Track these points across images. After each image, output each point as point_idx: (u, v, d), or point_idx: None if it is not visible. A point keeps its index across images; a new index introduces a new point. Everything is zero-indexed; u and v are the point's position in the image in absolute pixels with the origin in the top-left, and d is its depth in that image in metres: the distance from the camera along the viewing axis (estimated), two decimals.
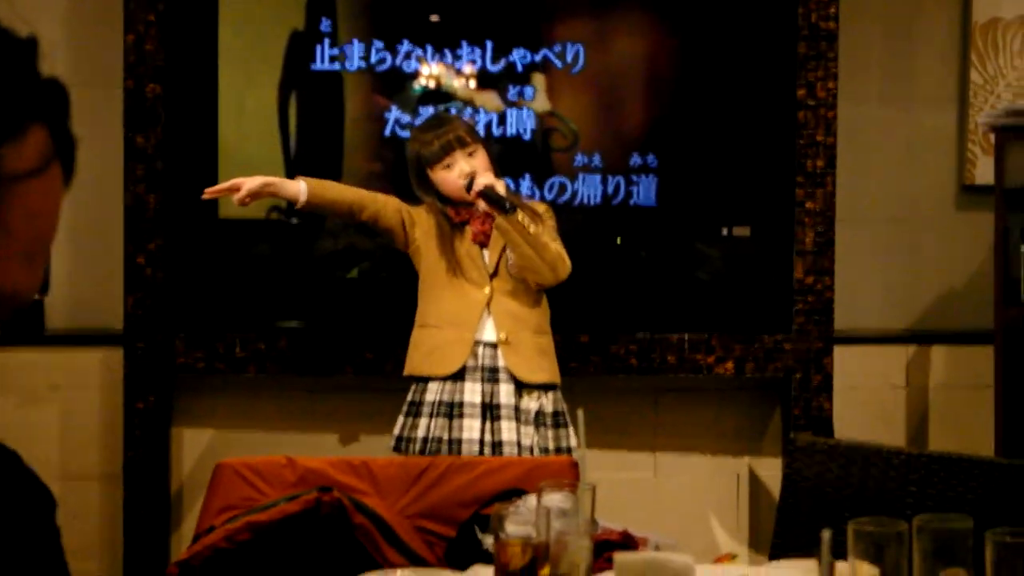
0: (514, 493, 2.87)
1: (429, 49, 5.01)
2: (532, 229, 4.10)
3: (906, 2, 5.32)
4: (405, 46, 5.00)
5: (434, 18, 5.04)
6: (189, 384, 5.04)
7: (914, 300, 5.32)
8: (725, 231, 5.15)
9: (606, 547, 2.40)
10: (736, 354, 5.01)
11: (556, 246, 4.19)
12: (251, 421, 5.08)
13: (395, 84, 5.01)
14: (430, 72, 5.02)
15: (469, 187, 4.11)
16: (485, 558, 2.57)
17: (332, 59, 5.00)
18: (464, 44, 5.01)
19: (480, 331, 4.19)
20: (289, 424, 5.06)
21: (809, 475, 3.23)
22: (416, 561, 2.73)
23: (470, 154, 4.18)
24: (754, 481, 5.15)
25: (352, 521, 2.74)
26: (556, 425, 4.19)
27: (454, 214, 4.24)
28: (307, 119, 5.06)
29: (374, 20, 5.04)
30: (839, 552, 2.26)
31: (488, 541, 2.53)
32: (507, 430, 4.12)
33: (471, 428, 4.09)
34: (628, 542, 2.54)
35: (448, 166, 4.18)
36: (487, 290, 4.20)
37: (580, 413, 2.52)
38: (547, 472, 2.93)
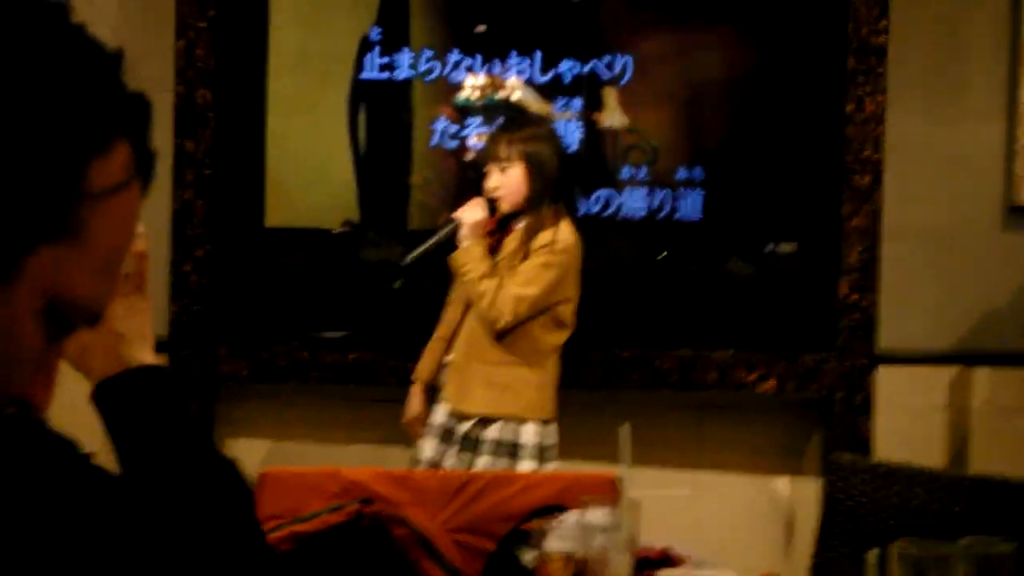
0: (554, 509, 2.87)
1: (478, 59, 5.01)
2: (472, 275, 4.10)
3: (955, 16, 5.29)
4: (454, 55, 5.01)
5: (481, 28, 5.05)
6: (232, 393, 5.05)
7: (959, 320, 5.28)
8: (770, 247, 5.13)
9: (646, 564, 2.40)
10: (778, 372, 5.00)
11: (513, 291, 4.12)
12: (293, 431, 5.09)
13: (443, 94, 5.01)
14: (478, 82, 5.03)
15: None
16: (524, 573, 2.57)
17: (382, 68, 5.01)
18: (513, 55, 5.02)
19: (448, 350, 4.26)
20: (330, 435, 5.07)
21: (850, 495, 3.22)
22: (455, 575, 2.74)
23: (503, 170, 4.17)
24: (795, 500, 5.13)
25: (392, 534, 2.75)
26: (499, 455, 4.15)
27: (487, 226, 4.24)
28: (356, 127, 5.07)
29: (424, 28, 5.05)
30: (879, 574, 2.26)
31: (527, 556, 2.54)
32: (428, 448, 4.20)
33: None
34: (669, 559, 2.54)
35: (487, 173, 4.21)
36: (460, 310, 4.25)
37: (625, 429, 2.52)
38: (585, 488, 2.93)
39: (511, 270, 4.13)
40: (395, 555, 2.74)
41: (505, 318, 4.11)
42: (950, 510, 3.09)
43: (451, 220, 4.13)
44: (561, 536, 2.46)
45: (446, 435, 4.16)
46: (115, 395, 1.49)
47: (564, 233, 4.21)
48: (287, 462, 4.63)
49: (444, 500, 3.02)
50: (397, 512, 2.78)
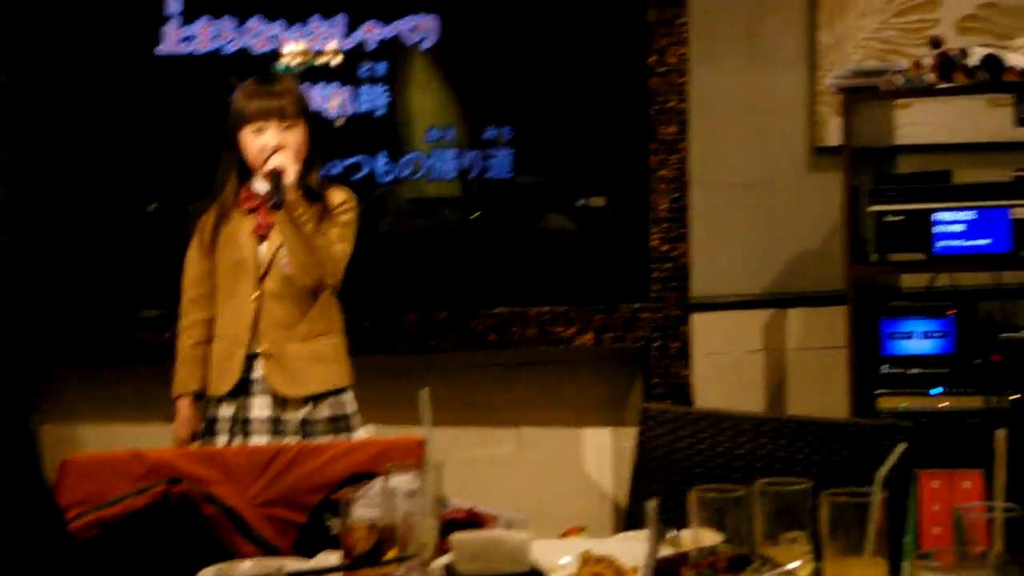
0: (364, 477, 2.86)
1: (279, 24, 4.96)
2: (308, 228, 3.95)
3: None
4: (254, 22, 4.96)
5: None
6: (49, 378, 4.97)
7: (770, 264, 5.37)
8: (582, 201, 5.17)
9: (453, 526, 2.40)
10: (595, 325, 5.04)
11: (340, 248, 4.05)
12: (112, 414, 5.02)
13: (244, 64, 4.96)
14: (279, 49, 4.98)
15: (267, 161, 3.97)
16: (335, 543, 2.56)
17: (182, 40, 4.94)
18: (317, 19, 4.97)
19: (251, 343, 4.05)
20: (150, 416, 4.99)
21: (661, 444, 3.26)
22: (267, 549, 2.72)
23: (287, 128, 4.01)
24: (617, 451, 5.18)
25: (202, 512, 2.71)
26: (336, 431, 4.06)
27: (244, 198, 4.09)
28: (152, 105, 4.99)
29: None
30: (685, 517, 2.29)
31: (337, 526, 2.52)
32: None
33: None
34: (475, 520, 2.55)
35: (259, 130, 4.02)
36: (255, 296, 4.05)
37: (423, 393, 2.52)
38: (397, 453, 2.92)
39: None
40: (205, 533, 2.71)
41: (336, 276, 4.05)
42: (757, 453, 3.15)
43: (276, 172, 3.92)
44: (366, 504, 2.44)
45: (275, 427, 4.04)
46: None
47: (347, 190, 4.16)
48: (109, 447, 4.56)
49: (254, 475, 3.00)
50: (205, 490, 2.75)
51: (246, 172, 4.10)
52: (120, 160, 4.98)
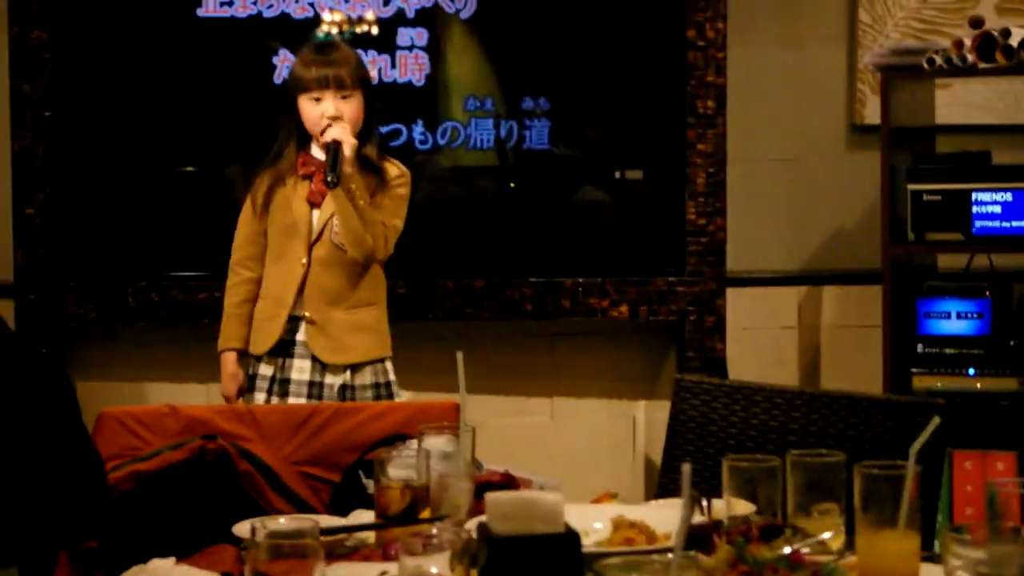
0: (398, 438, 2.88)
1: None
2: (361, 202, 3.95)
3: None
4: None
5: None
6: (82, 335, 5.00)
7: (806, 240, 5.37)
8: (618, 174, 5.17)
9: (487, 488, 2.41)
10: (630, 297, 5.04)
11: (392, 223, 4.05)
12: (145, 372, 5.05)
13: (285, 29, 4.97)
14: (318, 16, 4.99)
15: (325, 131, 3.97)
16: (369, 503, 2.58)
17: (222, 4, 4.96)
18: None
19: (295, 306, 4.07)
20: (182, 375, 5.03)
21: (695, 415, 3.27)
22: (301, 507, 2.74)
23: (344, 97, 4.02)
24: (650, 423, 5.19)
25: (237, 468, 2.73)
26: (377, 397, 4.07)
27: (301, 163, 4.09)
28: (193, 68, 5.01)
29: None
30: (718, 489, 2.30)
31: (371, 486, 2.54)
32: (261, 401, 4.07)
33: None
34: (510, 483, 2.56)
35: (318, 99, 4.02)
36: (304, 261, 4.06)
37: (459, 355, 2.53)
38: (431, 416, 2.94)
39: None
40: (240, 490, 2.73)
41: (387, 251, 4.06)
42: (790, 426, 3.15)
43: (335, 142, 3.90)
44: (401, 465, 2.46)
45: (313, 391, 4.06)
46: None
47: (401, 165, 4.16)
48: (141, 404, 4.59)
49: (288, 433, 3.02)
50: (241, 446, 2.77)
51: (305, 137, 4.10)
52: (158, 121, 5.00)
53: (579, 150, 5.13)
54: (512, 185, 5.13)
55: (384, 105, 4.78)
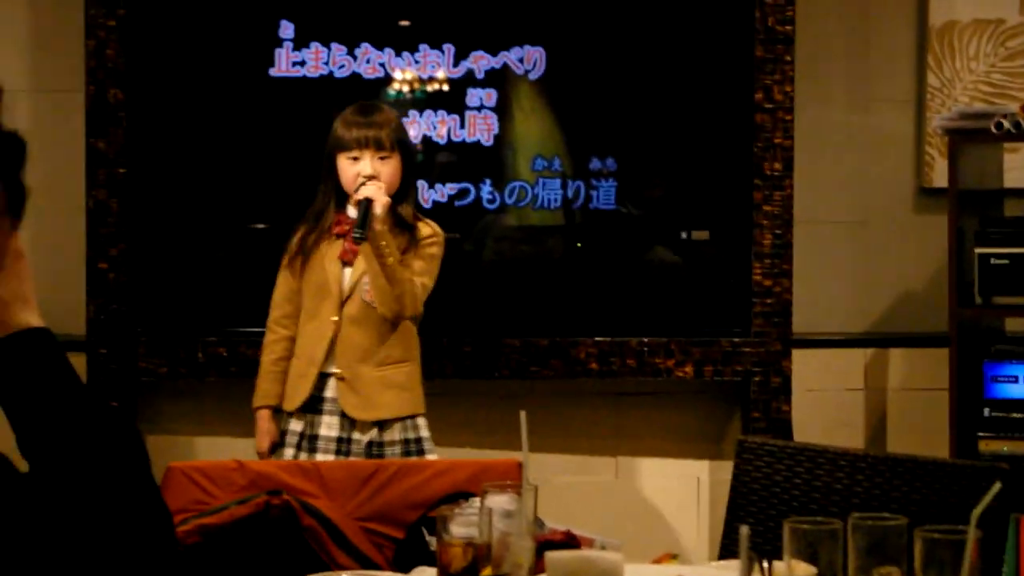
0: (461, 496, 2.90)
1: (389, 53, 5.03)
2: (390, 260, 4.01)
3: (863, 5, 5.36)
4: (364, 49, 5.02)
5: (401, 23, 5.07)
6: (151, 390, 5.05)
7: (872, 303, 5.36)
8: (684, 235, 5.19)
9: (549, 547, 2.43)
10: (695, 357, 5.05)
11: (419, 281, 4.10)
12: (212, 427, 5.09)
13: (356, 89, 5.02)
14: (389, 76, 5.04)
15: (359, 189, 4.04)
16: (432, 560, 2.59)
17: (294, 64, 5.02)
18: (424, 48, 5.04)
19: (326, 363, 4.13)
20: (249, 430, 5.06)
21: (758, 476, 3.27)
22: (364, 563, 2.76)
23: (382, 159, 4.09)
24: (714, 484, 5.18)
25: (301, 523, 2.76)
26: (406, 454, 4.10)
27: (336, 223, 4.16)
28: (265, 127, 5.07)
29: (334, 24, 5.06)
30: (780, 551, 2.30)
31: (434, 543, 2.56)
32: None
33: None
34: (571, 542, 2.57)
35: (356, 159, 4.10)
36: (335, 319, 4.12)
37: (523, 415, 2.55)
38: (494, 474, 2.96)
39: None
40: (304, 545, 2.76)
41: (415, 309, 4.11)
42: (854, 489, 3.15)
43: (367, 200, 3.99)
44: (463, 522, 2.48)
45: (341, 447, 4.10)
46: (2, 358, 1.51)
47: (435, 226, 4.22)
48: (208, 458, 4.63)
49: (353, 490, 3.05)
50: (305, 501, 2.79)
51: (343, 197, 4.17)
52: (230, 178, 5.07)
53: (646, 210, 5.16)
54: (579, 244, 5.15)
55: (452, 165, 4.82)
